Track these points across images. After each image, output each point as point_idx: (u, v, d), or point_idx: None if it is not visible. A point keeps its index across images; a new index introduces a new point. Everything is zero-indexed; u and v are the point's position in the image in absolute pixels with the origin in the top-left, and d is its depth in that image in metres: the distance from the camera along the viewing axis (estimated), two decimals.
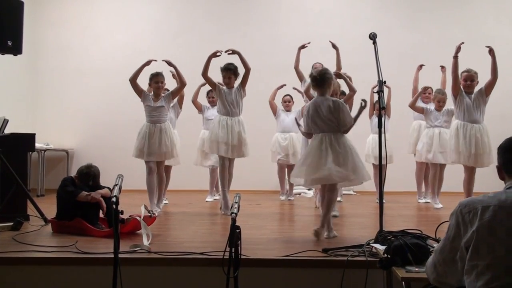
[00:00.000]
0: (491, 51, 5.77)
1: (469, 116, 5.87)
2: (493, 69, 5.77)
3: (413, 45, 8.92)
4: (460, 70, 5.91)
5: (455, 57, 5.86)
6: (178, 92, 6.24)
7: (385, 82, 3.99)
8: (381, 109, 3.86)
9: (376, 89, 4.03)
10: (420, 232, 3.27)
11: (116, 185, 3.10)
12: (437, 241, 3.20)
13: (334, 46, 6.41)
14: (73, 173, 5.21)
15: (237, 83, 6.13)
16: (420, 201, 7.35)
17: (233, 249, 2.89)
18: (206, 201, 7.26)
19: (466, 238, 2.07)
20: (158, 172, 6.08)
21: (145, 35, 9.05)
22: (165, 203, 6.72)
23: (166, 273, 3.60)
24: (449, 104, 6.60)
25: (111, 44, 9.10)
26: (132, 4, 9.25)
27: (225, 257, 2.87)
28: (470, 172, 5.91)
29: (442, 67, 7.35)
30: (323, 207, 4.56)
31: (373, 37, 4.30)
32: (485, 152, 5.85)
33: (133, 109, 8.28)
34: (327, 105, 4.43)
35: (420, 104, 7.14)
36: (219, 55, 5.97)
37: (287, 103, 7.56)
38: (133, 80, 5.94)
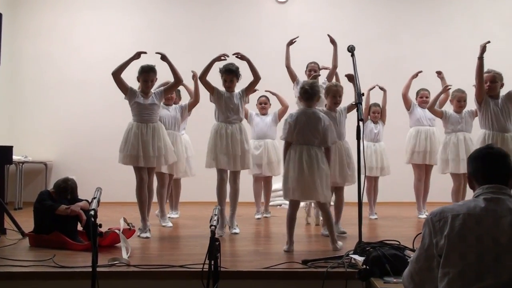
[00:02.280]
0: None
1: (497, 124, 5.18)
2: None
3: (392, 57, 9.04)
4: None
5: (480, 58, 5.16)
6: (171, 89, 5.49)
7: (363, 94, 4.05)
8: (359, 121, 3.90)
9: (366, 94, 4.06)
10: (398, 243, 3.31)
11: (94, 198, 3.08)
12: (415, 251, 3.23)
13: (332, 41, 5.87)
14: (51, 186, 5.14)
15: (238, 87, 5.56)
16: (420, 216, 6.55)
17: (212, 262, 2.89)
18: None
19: (438, 246, 2.14)
20: (148, 182, 5.29)
21: (126, 46, 8.96)
22: (174, 217, 6.44)
23: (145, 287, 3.57)
24: (469, 105, 6.26)
25: (91, 55, 9.03)
26: (113, 15, 9.22)
27: (204, 269, 2.86)
28: None
29: (439, 72, 6.66)
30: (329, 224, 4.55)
31: (351, 49, 4.37)
32: None
33: (114, 121, 8.22)
34: (317, 118, 4.46)
35: (417, 109, 6.66)
36: (224, 59, 5.41)
37: (263, 105, 6.77)
38: (116, 74, 5.11)
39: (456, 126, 6.19)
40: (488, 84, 5.21)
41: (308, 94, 4.50)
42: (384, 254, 2.91)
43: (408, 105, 6.70)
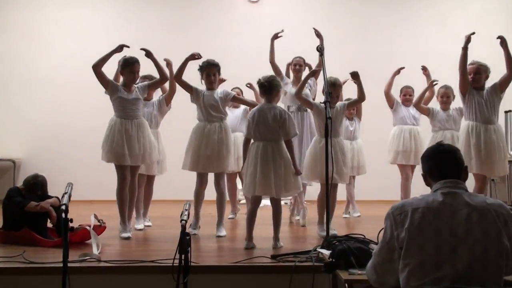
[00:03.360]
0: (503, 42, 4.94)
1: (481, 116, 5.02)
2: (508, 62, 4.97)
3: (362, 57, 9.16)
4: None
5: (464, 48, 5.03)
6: (156, 85, 5.36)
7: (330, 93, 4.15)
8: (327, 119, 3.99)
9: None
10: (363, 236, 3.41)
11: (65, 193, 3.09)
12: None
13: (318, 35, 5.79)
14: (20, 183, 5.09)
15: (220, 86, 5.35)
16: None
17: (182, 256, 2.94)
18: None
19: (399, 239, 2.24)
20: (131, 181, 5.04)
21: (97, 44, 8.90)
22: (147, 225, 5.67)
23: (116, 282, 3.60)
24: (457, 102, 5.93)
25: (61, 52, 8.92)
26: (83, 12, 9.13)
27: (174, 264, 2.91)
28: (481, 183, 5.04)
29: (424, 68, 6.50)
30: (276, 221, 4.49)
31: (320, 49, 4.46)
32: (500, 159, 5.00)
33: (83, 118, 8.19)
34: (273, 114, 4.44)
35: (401, 108, 6.44)
36: (198, 58, 5.17)
37: None
38: (97, 67, 4.86)
39: (444, 124, 5.97)
40: (471, 76, 5.08)
41: (265, 88, 4.49)
42: (349, 247, 3.02)
43: (391, 103, 6.49)
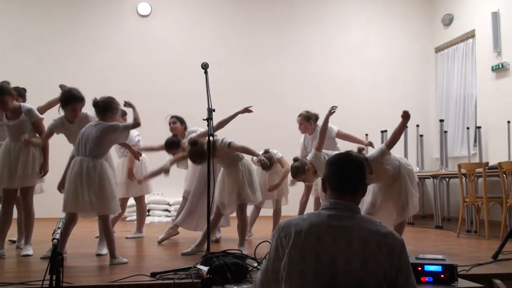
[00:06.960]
0: (406, 118, 4.59)
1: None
2: (392, 136, 4.67)
3: (249, 76, 9.44)
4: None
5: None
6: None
7: (214, 110, 4.17)
8: (209, 136, 4.01)
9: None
10: (240, 252, 3.47)
11: None
12: (256, 260, 3.42)
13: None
14: None
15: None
16: None
17: (54, 277, 2.81)
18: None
19: (282, 261, 2.13)
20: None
21: None
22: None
23: None
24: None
25: None
26: None
27: (44, 286, 2.78)
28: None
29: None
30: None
31: (204, 66, 4.49)
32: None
33: None
34: (98, 128, 4.43)
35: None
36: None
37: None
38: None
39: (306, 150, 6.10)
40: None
41: (98, 107, 4.51)
42: (226, 262, 3.05)
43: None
